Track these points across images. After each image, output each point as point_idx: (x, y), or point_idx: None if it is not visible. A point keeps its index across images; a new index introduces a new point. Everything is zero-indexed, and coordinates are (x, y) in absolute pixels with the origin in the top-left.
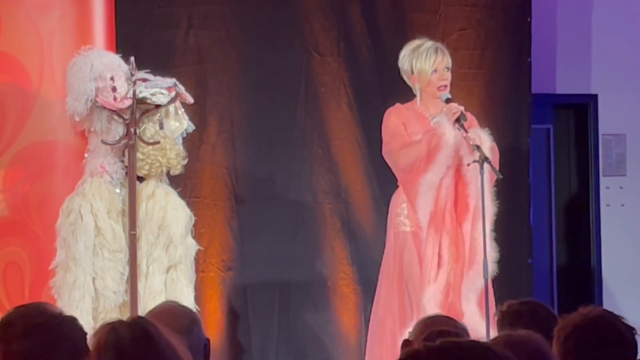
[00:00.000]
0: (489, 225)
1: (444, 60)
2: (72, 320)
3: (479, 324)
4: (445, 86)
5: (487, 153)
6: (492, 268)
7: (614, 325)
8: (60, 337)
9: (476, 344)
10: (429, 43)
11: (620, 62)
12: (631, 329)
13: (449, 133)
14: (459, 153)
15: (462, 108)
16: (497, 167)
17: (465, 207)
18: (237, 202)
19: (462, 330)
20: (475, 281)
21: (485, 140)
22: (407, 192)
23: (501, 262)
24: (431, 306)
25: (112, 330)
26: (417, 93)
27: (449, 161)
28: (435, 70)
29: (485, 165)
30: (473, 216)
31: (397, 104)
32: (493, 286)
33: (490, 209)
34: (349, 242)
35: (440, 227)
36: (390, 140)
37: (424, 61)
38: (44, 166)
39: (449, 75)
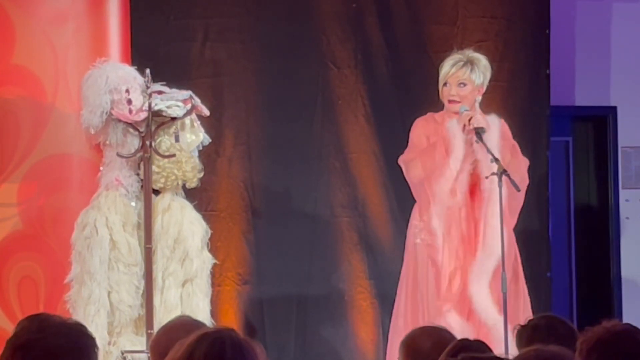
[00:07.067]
0: (508, 236)
1: (459, 74)
2: (86, 331)
3: (489, 309)
4: (457, 101)
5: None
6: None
7: (639, 339)
8: (83, 351)
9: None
10: (457, 56)
11: None
12: None
13: (459, 137)
14: (469, 163)
15: (471, 113)
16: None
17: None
18: (253, 216)
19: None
20: (486, 262)
21: (491, 126)
22: (419, 202)
23: None
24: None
25: (216, 343)
26: None
27: (457, 166)
28: (446, 84)
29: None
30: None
31: (430, 113)
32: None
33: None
34: (366, 256)
35: (457, 236)
36: (407, 151)
37: (441, 72)
38: (59, 180)
39: (463, 90)
